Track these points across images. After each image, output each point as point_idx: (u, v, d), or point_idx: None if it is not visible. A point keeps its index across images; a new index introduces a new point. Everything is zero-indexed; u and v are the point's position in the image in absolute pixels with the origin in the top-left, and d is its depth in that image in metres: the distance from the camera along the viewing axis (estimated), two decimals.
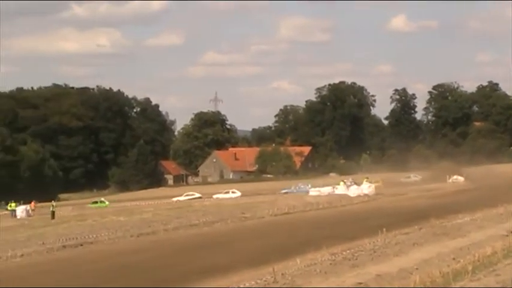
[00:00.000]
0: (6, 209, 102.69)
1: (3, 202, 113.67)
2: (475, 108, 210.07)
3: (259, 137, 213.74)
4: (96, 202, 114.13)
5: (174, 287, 28.09)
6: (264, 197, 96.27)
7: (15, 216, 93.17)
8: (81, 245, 46.35)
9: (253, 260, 33.52)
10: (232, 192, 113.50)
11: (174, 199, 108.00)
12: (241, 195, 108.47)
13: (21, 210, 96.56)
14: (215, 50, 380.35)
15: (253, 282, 26.15)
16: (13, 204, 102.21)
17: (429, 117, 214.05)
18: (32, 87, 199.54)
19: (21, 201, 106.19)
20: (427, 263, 28.39)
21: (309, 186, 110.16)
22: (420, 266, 27.82)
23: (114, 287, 29.36)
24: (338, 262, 29.90)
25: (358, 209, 70.27)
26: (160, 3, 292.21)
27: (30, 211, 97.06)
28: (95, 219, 73.03)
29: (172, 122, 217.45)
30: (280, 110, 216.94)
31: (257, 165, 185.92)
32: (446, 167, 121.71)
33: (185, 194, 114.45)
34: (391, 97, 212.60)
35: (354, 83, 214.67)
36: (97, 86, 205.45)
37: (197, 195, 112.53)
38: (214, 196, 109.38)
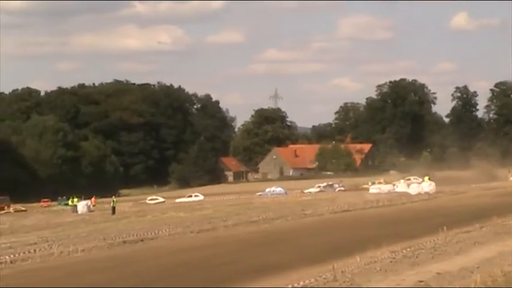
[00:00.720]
0: (68, 204, 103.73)
1: (64, 197, 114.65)
2: None
3: (319, 134, 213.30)
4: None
5: (233, 286, 28.06)
6: (323, 194, 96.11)
7: (76, 211, 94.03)
8: (142, 241, 46.54)
9: (312, 257, 33.44)
10: (195, 195, 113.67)
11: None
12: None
13: (82, 205, 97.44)
14: (276, 47, 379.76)
15: (312, 280, 26.09)
16: (75, 200, 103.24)
17: (491, 115, 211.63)
18: (94, 84, 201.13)
19: (82, 197, 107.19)
20: (489, 262, 28.13)
21: (283, 189, 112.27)
22: (481, 265, 27.57)
23: (173, 287, 29.40)
24: (398, 260, 29.76)
25: (418, 207, 69.91)
26: (222, 1, 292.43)
27: (91, 206, 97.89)
28: (155, 215, 73.49)
29: (233, 119, 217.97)
30: (341, 107, 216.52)
31: (317, 163, 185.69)
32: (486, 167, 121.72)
33: (149, 198, 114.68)
34: (452, 95, 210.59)
35: (415, 81, 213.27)
36: (158, 83, 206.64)
37: (160, 199, 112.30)
38: (177, 200, 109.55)
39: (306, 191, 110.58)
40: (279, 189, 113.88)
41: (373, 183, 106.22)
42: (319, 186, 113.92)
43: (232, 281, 28.13)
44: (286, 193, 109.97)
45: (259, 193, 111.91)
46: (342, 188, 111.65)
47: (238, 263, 33.44)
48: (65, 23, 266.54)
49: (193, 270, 32.52)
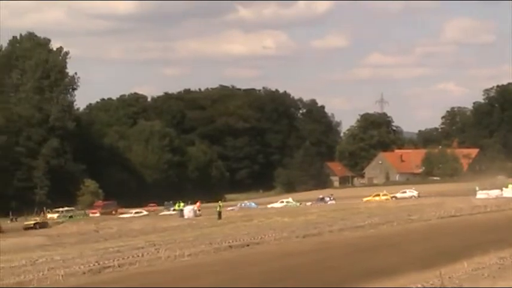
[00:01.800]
0: (174, 209, 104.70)
1: (171, 202, 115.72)
2: None
3: (425, 139, 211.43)
4: None
5: None
6: (429, 199, 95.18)
7: (182, 216, 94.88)
8: (248, 246, 46.74)
9: (419, 262, 33.22)
10: (287, 201, 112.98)
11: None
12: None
13: (188, 210, 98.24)
14: (380, 51, 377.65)
15: (419, 286, 25.95)
16: (181, 204, 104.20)
17: None
18: (200, 89, 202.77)
19: (189, 201, 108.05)
20: None
21: (254, 204, 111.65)
22: None
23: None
24: (507, 266, 29.35)
25: None
26: (326, 5, 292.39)
27: (197, 211, 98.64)
28: (261, 220, 73.68)
29: (338, 124, 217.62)
30: (447, 111, 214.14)
31: (423, 168, 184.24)
32: None
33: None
34: None
35: None
36: (263, 88, 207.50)
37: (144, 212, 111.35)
38: (269, 206, 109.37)
39: (269, 205, 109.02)
40: (249, 203, 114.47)
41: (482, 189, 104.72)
42: (282, 201, 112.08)
43: (340, 285, 28.08)
44: (257, 206, 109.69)
45: (230, 208, 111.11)
46: (333, 202, 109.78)
47: (345, 268, 33.39)
48: (171, 28, 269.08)
49: (300, 275, 32.57)
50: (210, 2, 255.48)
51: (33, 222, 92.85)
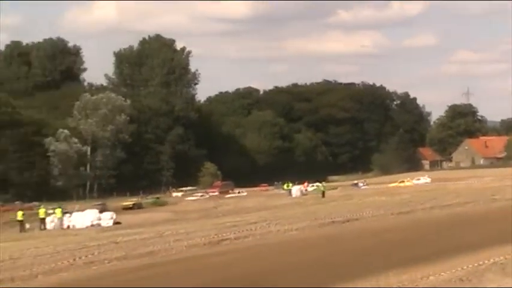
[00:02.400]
0: (283, 189, 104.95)
1: (280, 182, 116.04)
2: None
3: (508, 127, 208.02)
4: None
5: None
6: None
7: (291, 195, 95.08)
8: (348, 221, 46.54)
9: (502, 238, 32.64)
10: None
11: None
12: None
13: (296, 189, 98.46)
14: (466, 48, 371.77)
15: (502, 258, 25.53)
16: (289, 184, 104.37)
17: None
18: (306, 83, 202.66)
19: (296, 182, 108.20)
20: None
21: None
22: None
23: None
24: None
25: None
26: (417, 7, 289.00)
27: (304, 190, 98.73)
28: (360, 199, 73.37)
29: (428, 114, 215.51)
30: None
31: (506, 153, 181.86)
32: None
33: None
34: None
35: None
36: (361, 82, 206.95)
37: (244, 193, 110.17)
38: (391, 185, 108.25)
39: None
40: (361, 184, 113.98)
41: None
42: (312, 185, 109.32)
43: (429, 258, 27.79)
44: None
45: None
46: (366, 187, 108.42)
47: (434, 242, 32.97)
48: (280, 29, 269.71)
49: (394, 248, 32.32)
50: (314, 6, 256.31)
51: (131, 203, 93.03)
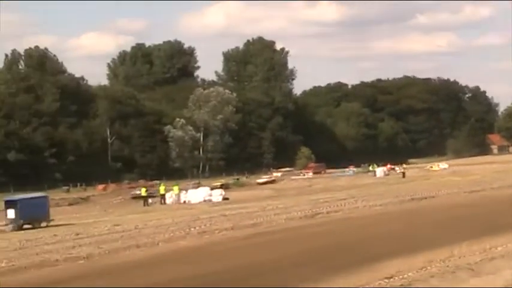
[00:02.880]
0: (369, 170, 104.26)
1: (366, 164, 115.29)
2: None
3: None
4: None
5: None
6: None
7: (375, 175, 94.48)
8: (425, 198, 46.10)
9: None
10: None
11: None
12: None
13: (380, 170, 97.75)
14: None
15: None
16: (375, 166, 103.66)
17: None
18: (388, 78, 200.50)
19: (380, 164, 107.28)
20: None
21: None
22: None
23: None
24: None
25: None
26: (488, 10, 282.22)
27: (386, 172, 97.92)
28: (436, 179, 72.44)
29: (496, 105, 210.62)
30: None
31: None
32: None
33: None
34: None
35: None
36: (437, 77, 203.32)
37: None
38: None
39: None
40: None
41: None
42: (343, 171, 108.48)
43: (498, 231, 27.28)
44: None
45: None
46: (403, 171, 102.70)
47: (503, 217, 32.34)
48: (366, 31, 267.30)
49: (467, 221, 31.87)
50: (396, 10, 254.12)
51: (220, 183, 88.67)
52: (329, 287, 17.83)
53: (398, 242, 25.08)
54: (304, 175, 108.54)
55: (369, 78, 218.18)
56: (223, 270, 21.93)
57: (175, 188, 67.41)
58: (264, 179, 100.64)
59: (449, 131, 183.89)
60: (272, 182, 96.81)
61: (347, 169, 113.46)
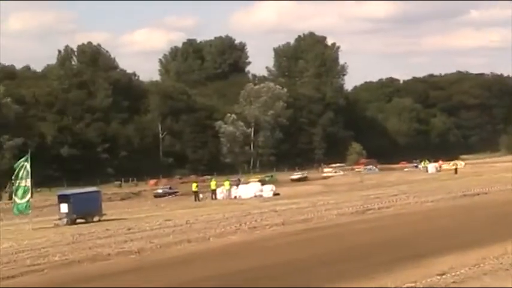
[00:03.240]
0: (422, 166, 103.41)
1: (418, 160, 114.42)
2: None
3: None
4: None
5: None
6: None
7: (427, 171, 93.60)
8: (478, 195, 45.48)
9: None
10: None
11: None
12: None
13: (431, 167, 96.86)
14: None
15: None
16: (426, 162, 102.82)
17: None
18: (440, 74, 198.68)
19: (432, 160, 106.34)
20: None
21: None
22: None
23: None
24: None
25: None
26: None
27: (438, 168, 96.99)
28: (489, 175, 71.40)
29: None
30: None
31: None
32: None
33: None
34: None
35: None
36: (490, 72, 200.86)
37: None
38: None
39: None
40: None
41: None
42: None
43: None
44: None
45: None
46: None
47: None
48: (417, 27, 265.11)
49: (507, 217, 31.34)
50: (448, 6, 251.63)
51: (257, 179, 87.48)
52: (377, 287, 17.66)
53: (451, 238, 24.78)
54: (375, 168, 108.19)
55: (420, 73, 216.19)
56: (271, 265, 21.93)
57: (226, 184, 67.63)
58: (297, 175, 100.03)
59: (502, 127, 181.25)
60: (305, 179, 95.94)
61: (414, 165, 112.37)
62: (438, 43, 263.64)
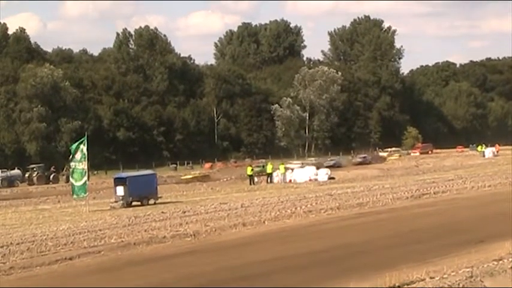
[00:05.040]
0: (477, 151, 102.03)
1: (474, 145, 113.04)
2: None
3: None
4: None
5: None
6: None
7: (484, 156, 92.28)
8: None
9: None
10: None
11: None
12: None
13: (488, 151, 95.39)
14: None
15: None
16: (483, 146, 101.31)
17: None
18: (498, 57, 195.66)
19: (488, 144, 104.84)
20: None
21: None
22: None
23: None
24: None
25: None
26: None
27: (495, 152, 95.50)
28: None
29: None
30: None
31: None
32: None
33: None
34: None
35: None
36: None
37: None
38: None
39: None
40: None
41: None
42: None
43: None
44: None
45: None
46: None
47: None
48: (475, 10, 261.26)
49: None
50: None
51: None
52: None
53: (509, 224, 24.38)
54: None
55: (478, 57, 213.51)
56: (326, 249, 21.89)
57: (282, 167, 67.56)
58: (360, 158, 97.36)
59: None
60: (368, 162, 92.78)
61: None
62: (497, 26, 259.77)
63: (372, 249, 21.39)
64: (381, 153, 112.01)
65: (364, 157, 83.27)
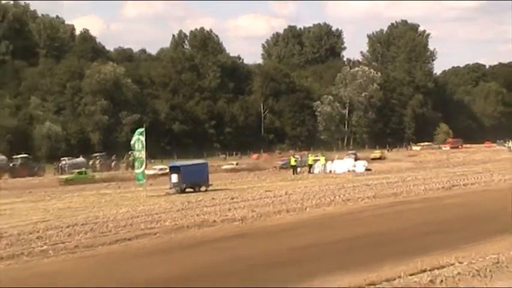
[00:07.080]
0: (504, 146, 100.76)
1: (502, 140, 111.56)
2: None
3: None
4: None
5: None
6: None
7: (511, 151, 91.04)
8: None
9: None
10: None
11: None
12: None
13: None
14: None
15: None
16: (510, 142, 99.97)
17: None
18: None
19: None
20: None
21: None
22: None
23: None
24: None
25: None
26: None
27: None
28: None
29: None
30: None
31: None
32: None
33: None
34: None
35: None
36: None
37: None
38: None
39: None
40: None
41: None
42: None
43: None
44: None
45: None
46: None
47: None
48: (504, 15, 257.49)
49: None
50: None
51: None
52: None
53: None
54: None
55: (506, 59, 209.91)
56: (362, 235, 21.77)
57: (322, 159, 67.34)
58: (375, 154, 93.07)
59: None
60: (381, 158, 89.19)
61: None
62: None
63: (405, 237, 21.25)
64: (414, 147, 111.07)
65: (354, 153, 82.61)
